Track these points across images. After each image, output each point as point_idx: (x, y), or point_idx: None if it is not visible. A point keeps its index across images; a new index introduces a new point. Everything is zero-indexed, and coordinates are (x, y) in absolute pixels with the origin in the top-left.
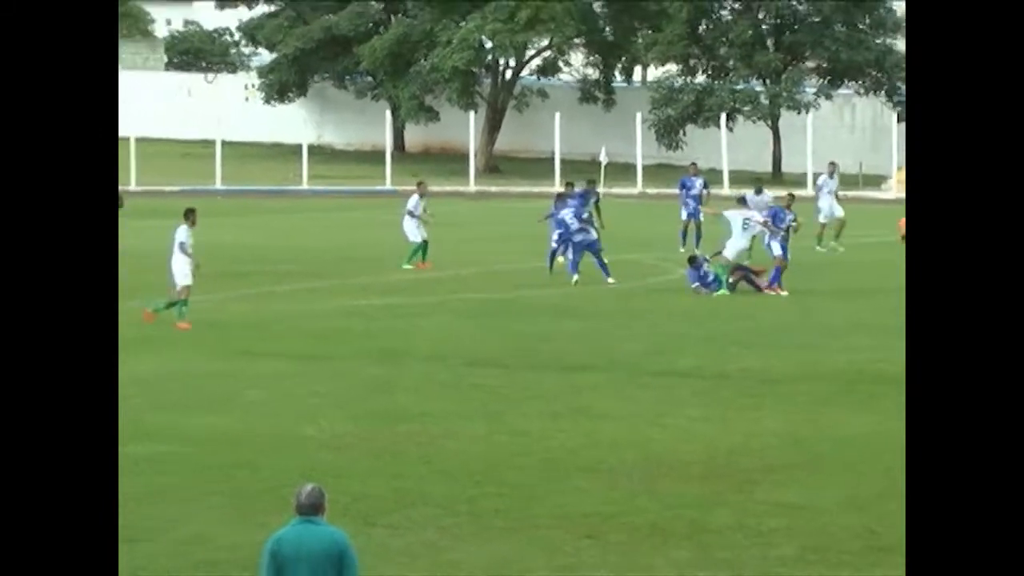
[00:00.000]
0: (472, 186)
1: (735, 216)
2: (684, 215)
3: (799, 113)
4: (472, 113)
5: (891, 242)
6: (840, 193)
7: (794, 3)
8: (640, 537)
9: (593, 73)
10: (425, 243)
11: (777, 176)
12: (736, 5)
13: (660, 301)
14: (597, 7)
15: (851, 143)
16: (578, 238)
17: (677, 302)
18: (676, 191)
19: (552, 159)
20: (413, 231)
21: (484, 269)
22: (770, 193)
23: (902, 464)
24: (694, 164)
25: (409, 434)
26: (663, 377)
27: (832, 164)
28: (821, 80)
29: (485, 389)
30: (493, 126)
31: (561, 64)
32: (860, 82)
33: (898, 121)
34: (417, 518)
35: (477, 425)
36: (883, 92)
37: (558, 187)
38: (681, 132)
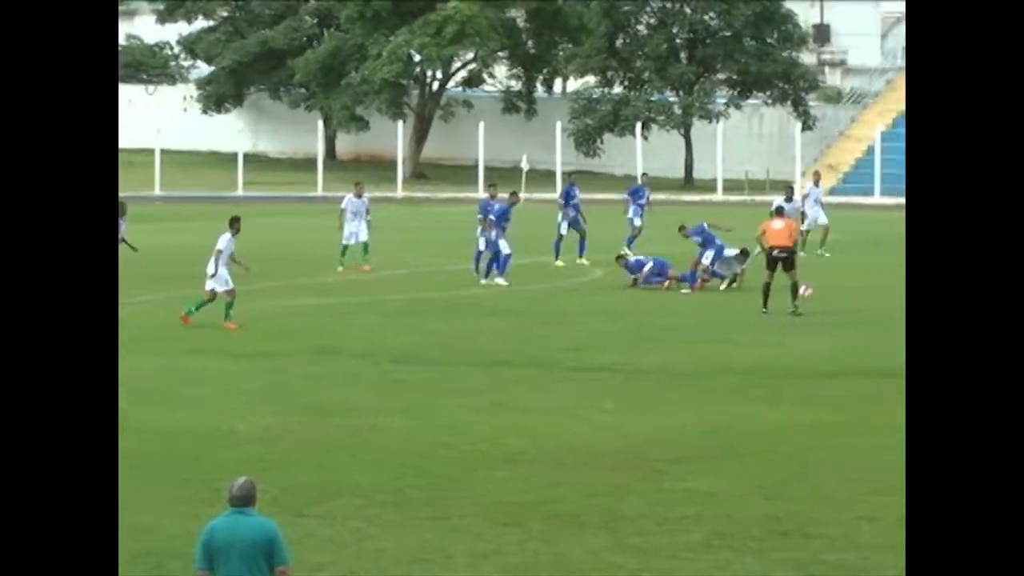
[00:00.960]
0: (400, 192)
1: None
2: (637, 222)
3: (710, 122)
4: (400, 123)
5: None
6: (755, 198)
7: (706, 18)
8: (557, 525)
9: (516, 85)
10: (362, 245)
11: (689, 182)
12: (652, 20)
13: (581, 300)
14: (520, 22)
15: (759, 150)
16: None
17: (597, 301)
18: (591, 196)
19: (476, 166)
20: (345, 231)
21: (411, 271)
22: (799, 200)
23: (804, 453)
24: (645, 174)
25: (337, 428)
26: (582, 372)
27: (816, 173)
28: (731, 91)
29: (410, 384)
30: (420, 135)
31: (485, 76)
32: (768, 93)
33: (802, 129)
34: (344, 508)
35: (402, 419)
36: (789, 102)
37: (481, 193)
38: (599, 140)
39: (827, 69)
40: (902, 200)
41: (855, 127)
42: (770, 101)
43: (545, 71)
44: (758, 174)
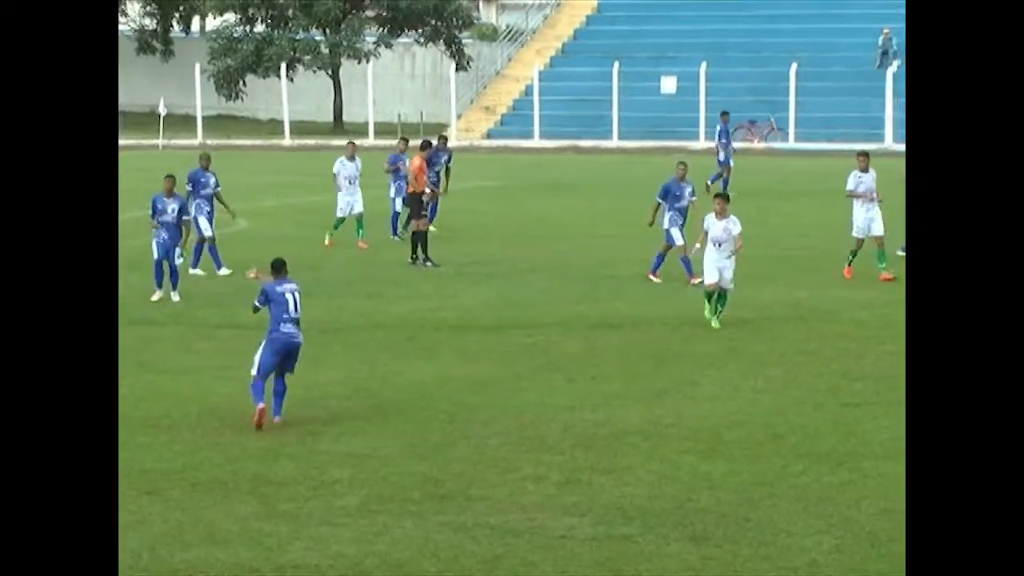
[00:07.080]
0: None
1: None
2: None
3: (359, 62)
4: None
5: (469, 187)
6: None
7: None
8: (202, 491)
9: (150, 23)
10: (356, 218)
11: (339, 125)
12: None
13: (223, 256)
14: None
15: (412, 91)
16: None
17: (237, 256)
18: (232, 143)
19: None
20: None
21: None
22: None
23: (463, 411)
24: (726, 113)
25: None
26: (226, 330)
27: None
28: (381, 29)
29: None
30: None
31: (118, 14)
32: (420, 30)
33: (456, 69)
34: None
35: None
36: (442, 40)
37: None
38: (241, 82)
39: (481, 5)
40: (561, 143)
41: (512, 66)
42: (422, 39)
43: (182, 8)
44: (411, 117)
